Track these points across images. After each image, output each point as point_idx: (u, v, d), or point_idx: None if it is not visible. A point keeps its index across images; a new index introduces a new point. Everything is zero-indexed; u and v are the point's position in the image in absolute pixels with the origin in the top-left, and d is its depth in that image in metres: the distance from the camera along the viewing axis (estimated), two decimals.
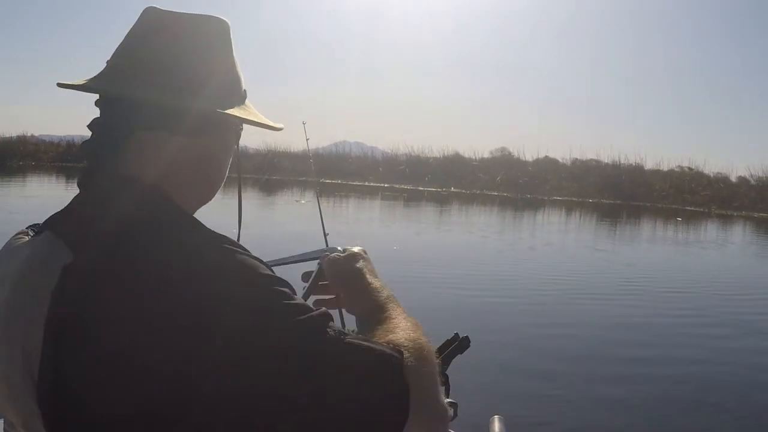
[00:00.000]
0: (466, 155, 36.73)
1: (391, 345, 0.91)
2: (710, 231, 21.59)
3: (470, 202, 27.06)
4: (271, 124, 1.11)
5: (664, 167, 34.39)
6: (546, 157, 36.22)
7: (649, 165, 34.40)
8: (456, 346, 1.23)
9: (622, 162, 34.25)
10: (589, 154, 36.55)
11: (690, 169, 33.85)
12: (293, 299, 0.88)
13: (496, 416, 1.88)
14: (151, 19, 1.05)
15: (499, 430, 1.84)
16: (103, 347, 0.82)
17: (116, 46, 1.06)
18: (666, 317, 8.16)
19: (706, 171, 33.98)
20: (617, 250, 15.35)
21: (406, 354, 0.90)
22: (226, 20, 1.08)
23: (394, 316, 1.05)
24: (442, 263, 11.13)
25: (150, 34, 1.03)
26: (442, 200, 27.16)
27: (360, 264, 1.20)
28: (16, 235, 1.03)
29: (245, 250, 0.90)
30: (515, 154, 37.09)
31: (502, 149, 37.63)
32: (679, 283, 10.79)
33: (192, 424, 0.81)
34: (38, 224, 1.02)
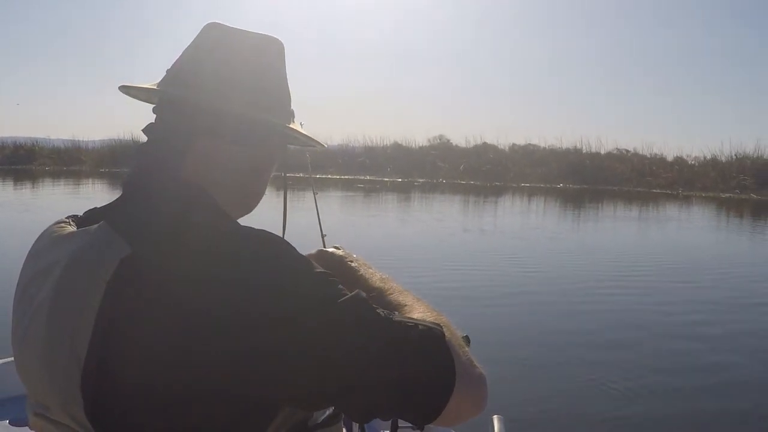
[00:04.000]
0: (404, 144, 36.44)
1: (427, 322, 0.94)
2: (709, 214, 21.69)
3: (442, 192, 26.80)
4: (320, 141, 1.19)
5: (602, 150, 34.59)
6: (485, 143, 36.25)
7: (591, 149, 34.62)
8: None
9: (559, 146, 34.86)
10: (524, 140, 36.88)
11: (627, 151, 34.24)
12: (343, 288, 0.91)
13: (495, 416, 1.93)
14: (215, 34, 1.09)
15: (498, 430, 1.89)
16: (153, 339, 0.83)
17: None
18: (670, 310, 7.95)
19: (643, 153, 34.46)
20: (609, 239, 15.26)
21: (444, 329, 0.94)
22: (281, 40, 1.13)
23: (406, 302, 1.09)
24: (436, 259, 10.87)
25: (215, 48, 1.07)
26: (416, 191, 26.95)
27: (323, 260, 1.23)
28: (57, 223, 1.04)
29: (292, 245, 0.94)
30: (453, 141, 37.13)
31: (440, 137, 37.47)
32: (684, 274, 10.58)
33: (250, 409, 0.87)
34: (77, 215, 1.06)
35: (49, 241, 1.01)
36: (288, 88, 1.14)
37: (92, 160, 34.29)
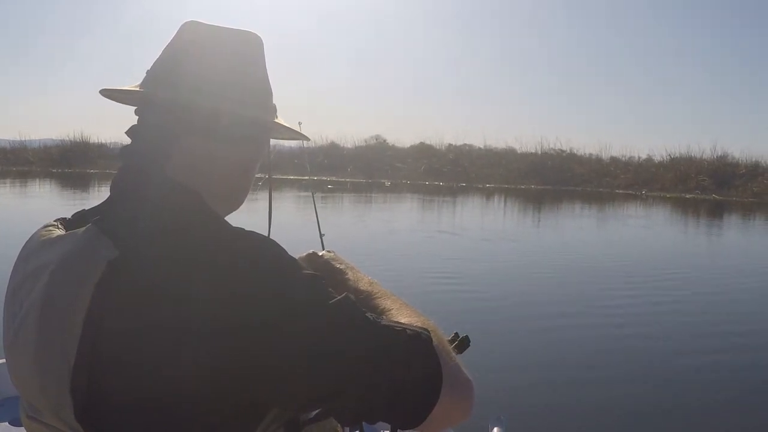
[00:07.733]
0: (341, 144, 36.37)
1: (414, 326, 0.94)
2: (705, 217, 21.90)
3: (412, 192, 26.67)
4: (305, 135, 1.20)
5: (539, 150, 34.98)
6: (422, 143, 36.39)
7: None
8: (456, 345, 1.16)
9: (498, 147, 35.55)
10: (462, 140, 37.44)
11: (563, 151, 34.69)
12: (332, 291, 0.91)
13: (496, 416, 1.95)
14: (193, 32, 1.07)
15: (499, 430, 1.90)
16: (141, 341, 0.83)
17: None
18: (669, 308, 7.97)
19: (583, 153, 35.08)
20: (600, 239, 15.28)
21: (432, 334, 0.94)
22: (260, 35, 1.11)
23: (393, 307, 1.09)
24: (433, 260, 10.73)
25: (195, 46, 1.06)
26: (387, 192, 26.80)
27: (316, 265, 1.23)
28: (45, 227, 1.04)
29: (281, 247, 0.93)
30: (389, 141, 37.11)
31: (377, 137, 37.32)
32: (680, 273, 10.57)
33: (238, 410, 0.86)
34: (65, 218, 1.07)
35: (38, 244, 1.00)
36: (269, 82, 1.13)
37: (41, 160, 33.02)
